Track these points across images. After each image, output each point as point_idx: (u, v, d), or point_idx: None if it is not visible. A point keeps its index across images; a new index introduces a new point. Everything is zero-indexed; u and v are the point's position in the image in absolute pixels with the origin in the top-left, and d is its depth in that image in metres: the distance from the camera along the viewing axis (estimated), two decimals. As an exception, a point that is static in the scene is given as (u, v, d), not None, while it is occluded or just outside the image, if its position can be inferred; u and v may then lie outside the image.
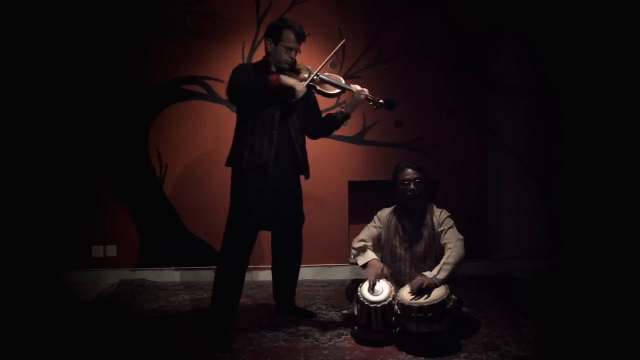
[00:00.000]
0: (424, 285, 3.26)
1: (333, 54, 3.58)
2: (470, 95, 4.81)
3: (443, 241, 3.50)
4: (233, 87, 3.41)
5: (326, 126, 3.72)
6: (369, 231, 3.69)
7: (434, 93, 4.77)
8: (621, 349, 3.24)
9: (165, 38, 4.60)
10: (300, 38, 3.46)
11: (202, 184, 4.68)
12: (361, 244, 3.63)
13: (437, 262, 3.42)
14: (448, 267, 3.34)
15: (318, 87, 3.53)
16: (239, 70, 3.47)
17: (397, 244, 3.61)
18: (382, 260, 3.64)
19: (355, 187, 4.80)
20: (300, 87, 3.38)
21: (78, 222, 4.66)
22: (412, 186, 3.55)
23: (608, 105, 4.77)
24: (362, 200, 4.74)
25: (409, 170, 3.57)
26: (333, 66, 4.68)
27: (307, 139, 3.73)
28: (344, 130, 4.66)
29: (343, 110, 3.66)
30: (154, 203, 4.70)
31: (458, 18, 4.75)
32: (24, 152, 4.59)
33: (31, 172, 4.60)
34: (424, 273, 3.33)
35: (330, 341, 3.40)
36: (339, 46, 3.59)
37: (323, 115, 3.78)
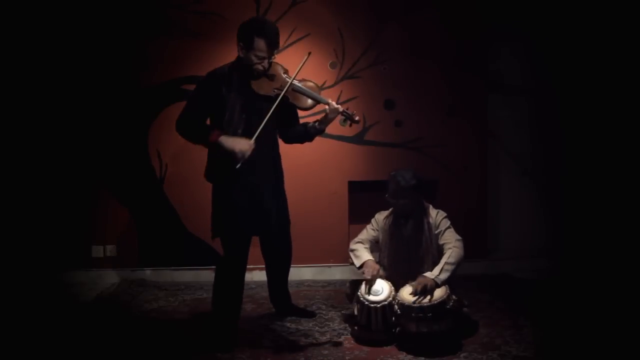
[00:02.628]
0: (428, 288, 3.25)
1: (300, 69, 3.29)
2: (470, 96, 4.81)
3: (441, 242, 3.49)
4: (177, 128, 3.31)
5: (300, 137, 3.53)
6: (367, 233, 3.69)
7: (434, 93, 4.77)
8: (621, 349, 3.24)
9: (165, 38, 4.60)
10: (273, 47, 3.24)
11: (202, 184, 4.62)
12: (357, 245, 3.63)
13: (435, 264, 3.42)
14: (449, 268, 3.34)
15: (290, 99, 3.31)
16: (191, 102, 3.34)
17: (395, 246, 3.60)
18: (379, 262, 3.64)
19: (355, 187, 4.80)
20: (243, 147, 3.13)
21: (78, 222, 4.66)
22: (402, 201, 3.52)
23: (607, 106, 4.77)
24: (362, 200, 4.74)
25: (399, 185, 3.49)
26: (333, 66, 4.68)
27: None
28: (344, 130, 4.66)
29: (316, 125, 3.42)
30: (154, 203, 4.69)
31: (458, 18, 4.74)
32: (24, 152, 4.58)
33: (31, 172, 4.59)
34: (425, 274, 3.33)
35: (330, 341, 3.40)
36: (304, 61, 3.31)
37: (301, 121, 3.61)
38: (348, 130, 4.67)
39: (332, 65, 4.68)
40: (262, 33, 3.21)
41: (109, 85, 4.61)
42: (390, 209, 3.70)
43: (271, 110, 3.21)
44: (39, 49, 4.53)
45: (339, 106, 3.33)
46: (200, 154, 4.65)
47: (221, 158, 3.27)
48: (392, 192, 3.53)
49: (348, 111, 3.37)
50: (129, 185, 4.68)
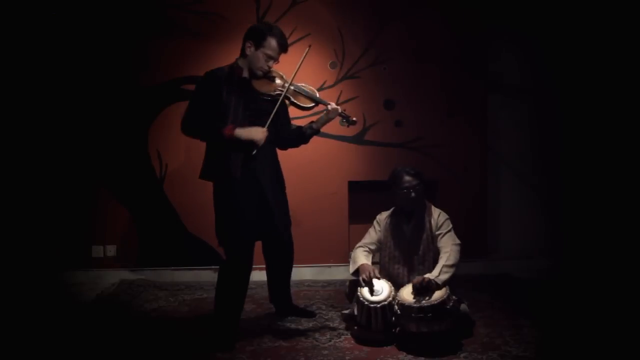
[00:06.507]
0: (424, 284, 3.25)
1: (301, 64, 3.35)
2: (470, 96, 4.81)
3: (439, 244, 3.49)
4: (185, 129, 3.32)
5: (296, 139, 3.60)
6: (369, 237, 3.68)
7: (434, 93, 4.77)
8: (621, 349, 3.24)
9: (165, 38, 4.60)
10: (283, 49, 3.35)
11: (202, 184, 4.62)
12: (357, 251, 3.61)
13: (435, 263, 3.42)
14: (448, 270, 3.34)
15: (292, 99, 3.43)
16: (195, 101, 3.32)
17: (396, 246, 3.60)
18: (380, 262, 3.64)
19: (355, 187, 4.80)
20: (259, 136, 3.26)
21: (78, 222, 4.66)
22: (410, 193, 3.52)
23: (607, 106, 4.78)
24: (362, 200, 4.74)
25: (407, 178, 3.51)
26: (333, 66, 4.68)
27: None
28: (344, 130, 4.67)
29: (313, 125, 3.54)
30: (154, 203, 4.70)
31: (458, 18, 4.75)
32: (24, 152, 4.59)
33: (31, 172, 4.60)
34: (426, 275, 3.33)
35: (330, 341, 3.41)
36: (305, 54, 3.37)
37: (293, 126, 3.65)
38: (348, 131, 4.67)
39: (332, 65, 4.68)
40: (275, 34, 3.33)
41: (109, 85, 4.61)
42: (392, 209, 3.70)
43: (278, 102, 3.33)
44: (39, 49, 4.53)
45: (337, 107, 3.46)
46: (200, 154, 4.67)
47: (219, 156, 3.33)
48: (414, 186, 3.51)
49: (345, 112, 3.50)
50: (129, 185, 4.68)
